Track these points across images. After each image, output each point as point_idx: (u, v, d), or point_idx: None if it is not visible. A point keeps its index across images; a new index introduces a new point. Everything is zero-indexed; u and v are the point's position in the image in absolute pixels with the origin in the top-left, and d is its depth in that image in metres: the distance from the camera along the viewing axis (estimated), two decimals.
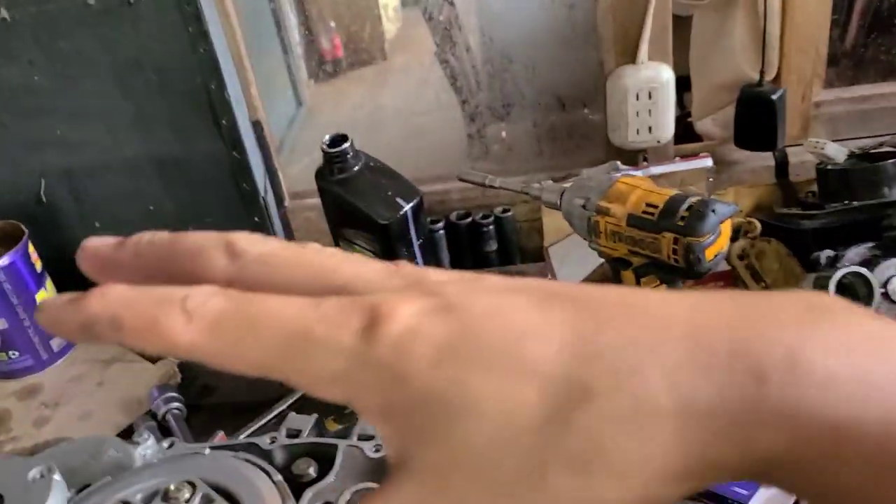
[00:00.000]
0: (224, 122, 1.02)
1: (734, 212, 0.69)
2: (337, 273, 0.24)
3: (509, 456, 0.21)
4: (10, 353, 1.01)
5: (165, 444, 0.53)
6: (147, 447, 0.52)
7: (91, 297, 0.23)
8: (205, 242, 0.25)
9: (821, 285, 0.72)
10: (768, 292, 0.24)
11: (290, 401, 0.92)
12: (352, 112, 1.16)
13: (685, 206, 0.69)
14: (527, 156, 1.13)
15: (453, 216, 1.11)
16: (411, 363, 0.22)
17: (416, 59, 1.20)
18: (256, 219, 1.09)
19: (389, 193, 0.90)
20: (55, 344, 1.05)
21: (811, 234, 0.84)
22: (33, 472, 0.43)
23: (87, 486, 0.46)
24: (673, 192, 0.71)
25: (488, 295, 0.23)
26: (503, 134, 1.17)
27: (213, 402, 0.97)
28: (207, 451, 0.45)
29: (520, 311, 0.22)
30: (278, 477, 0.45)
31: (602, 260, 0.88)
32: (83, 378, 1.03)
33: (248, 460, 0.44)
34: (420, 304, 0.22)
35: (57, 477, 0.42)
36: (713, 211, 0.68)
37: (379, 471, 0.51)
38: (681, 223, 0.68)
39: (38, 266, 1.02)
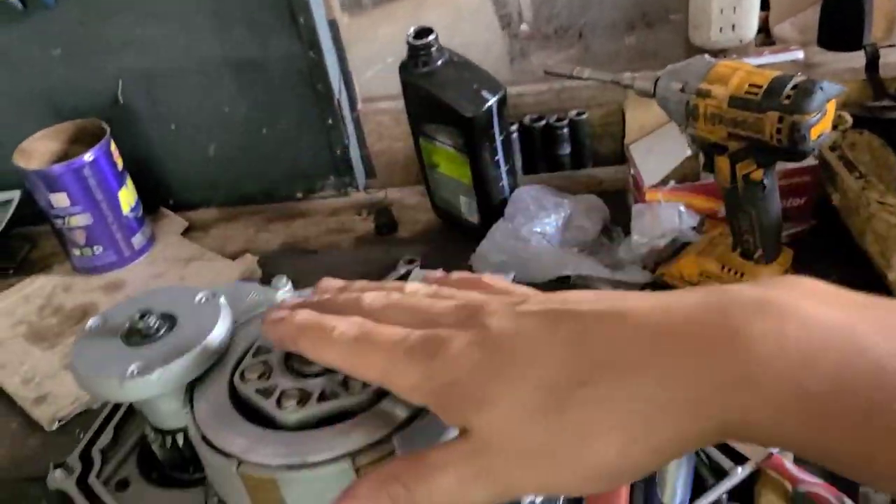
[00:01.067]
0: (301, 20, 1.02)
1: (841, 91, 0.69)
2: (429, 312, 0.37)
3: (520, 436, 0.31)
4: (95, 248, 1.04)
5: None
6: (286, 291, 0.53)
7: (286, 320, 0.39)
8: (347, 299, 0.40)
9: None
10: (731, 286, 0.32)
11: None
12: (386, 44, 1.14)
13: (791, 84, 0.68)
14: (602, 60, 1.12)
15: (527, 119, 1.11)
16: (457, 374, 0.33)
17: None
18: (330, 121, 1.10)
19: (475, 87, 0.90)
20: (136, 242, 1.07)
21: None
22: (200, 296, 0.44)
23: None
24: (776, 72, 0.71)
25: (517, 320, 0.34)
26: (549, 61, 1.16)
27: None
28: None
29: (533, 333, 0.33)
30: None
31: (687, 155, 0.88)
32: (164, 275, 1.05)
33: None
34: (469, 337, 0.34)
35: (223, 300, 0.44)
36: (821, 88, 0.67)
37: None
38: (786, 101, 0.68)
39: (120, 164, 1.04)
